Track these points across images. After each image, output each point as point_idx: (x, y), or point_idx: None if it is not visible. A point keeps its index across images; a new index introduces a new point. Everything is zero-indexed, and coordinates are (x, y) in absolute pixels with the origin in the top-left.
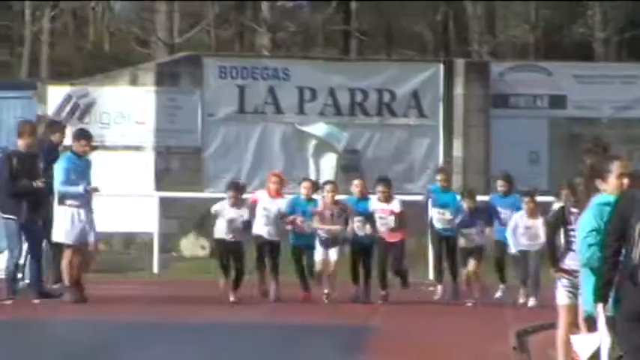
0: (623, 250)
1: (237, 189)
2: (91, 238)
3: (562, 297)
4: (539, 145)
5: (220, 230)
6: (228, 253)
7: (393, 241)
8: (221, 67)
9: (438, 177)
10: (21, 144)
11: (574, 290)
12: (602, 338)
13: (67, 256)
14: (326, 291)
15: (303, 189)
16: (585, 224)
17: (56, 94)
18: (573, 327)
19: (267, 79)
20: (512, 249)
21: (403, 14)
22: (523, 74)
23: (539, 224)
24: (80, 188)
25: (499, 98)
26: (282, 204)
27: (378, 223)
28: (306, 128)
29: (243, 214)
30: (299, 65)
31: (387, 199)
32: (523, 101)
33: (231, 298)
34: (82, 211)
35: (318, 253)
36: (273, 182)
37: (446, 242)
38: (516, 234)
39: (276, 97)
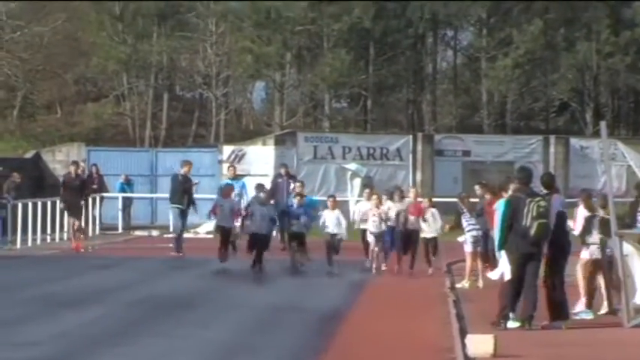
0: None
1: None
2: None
3: (468, 247)
4: (458, 174)
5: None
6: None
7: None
8: (306, 136)
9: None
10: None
11: (475, 244)
12: (504, 268)
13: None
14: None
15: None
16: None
17: (227, 150)
18: (473, 262)
19: (327, 142)
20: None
21: (391, 109)
22: (449, 140)
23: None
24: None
25: (439, 152)
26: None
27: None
28: (346, 166)
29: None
30: (343, 136)
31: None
32: (450, 153)
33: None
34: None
35: (371, 241)
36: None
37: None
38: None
39: (332, 151)
